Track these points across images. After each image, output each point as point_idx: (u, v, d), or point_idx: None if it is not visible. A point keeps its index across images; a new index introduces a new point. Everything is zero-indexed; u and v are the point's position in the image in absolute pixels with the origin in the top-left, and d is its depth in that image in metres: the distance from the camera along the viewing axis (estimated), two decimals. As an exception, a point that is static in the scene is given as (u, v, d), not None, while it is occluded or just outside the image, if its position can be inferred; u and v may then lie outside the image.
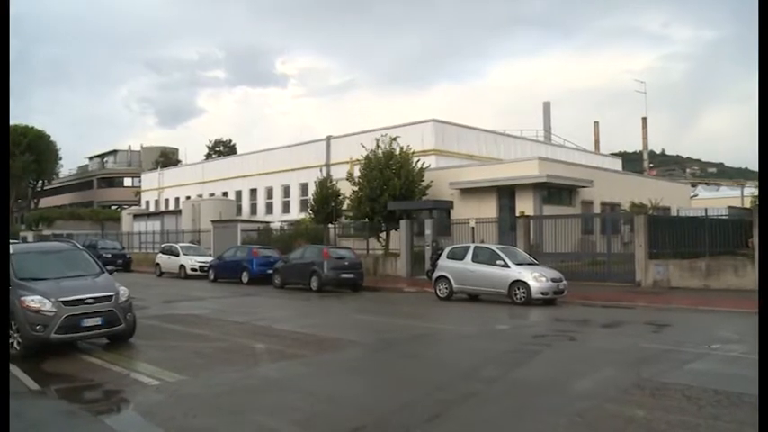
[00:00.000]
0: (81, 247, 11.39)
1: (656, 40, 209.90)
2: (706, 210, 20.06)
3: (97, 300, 9.03)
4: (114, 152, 79.93)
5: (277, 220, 36.26)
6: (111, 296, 9.23)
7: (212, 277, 24.67)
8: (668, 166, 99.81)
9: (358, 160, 26.23)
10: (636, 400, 6.26)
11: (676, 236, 18.95)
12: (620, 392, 6.55)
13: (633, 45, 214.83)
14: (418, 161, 25.39)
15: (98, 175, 76.92)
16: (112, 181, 75.77)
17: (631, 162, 61.69)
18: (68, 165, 79.53)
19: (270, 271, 22.01)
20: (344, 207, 27.09)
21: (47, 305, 8.56)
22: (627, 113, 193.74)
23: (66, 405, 6.57)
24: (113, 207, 67.98)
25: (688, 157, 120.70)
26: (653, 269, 18.31)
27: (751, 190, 43.59)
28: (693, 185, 54.01)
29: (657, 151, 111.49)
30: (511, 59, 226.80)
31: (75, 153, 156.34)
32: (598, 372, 7.81)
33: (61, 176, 74.24)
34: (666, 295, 16.15)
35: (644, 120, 58.10)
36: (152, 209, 50.56)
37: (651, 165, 65.78)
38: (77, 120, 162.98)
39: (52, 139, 61.44)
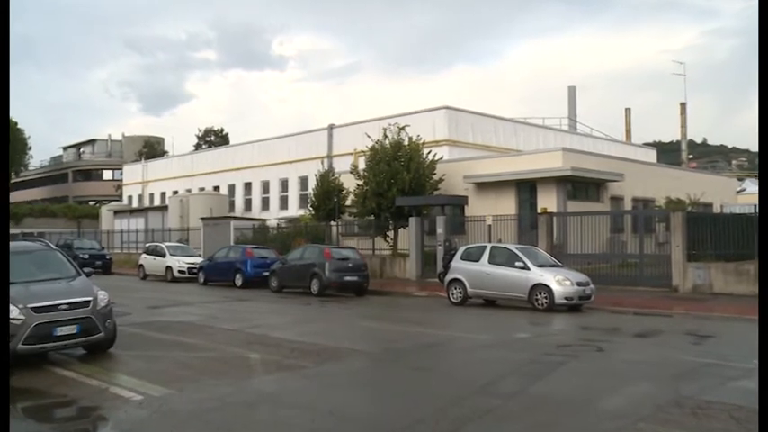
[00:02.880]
0: (54, 247, 11.45)
1: (700, 13, 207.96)
2: (755, 206, 19.82)
3: (72, 305, 8.99)
4: (92, 141, 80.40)
5: (274, 217, 36.45)
6: (88, 301, 9.20)
7: (202, 280, 24.78)
8: (710, 157, 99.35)
9: (363, 151, 26.28)
10: (674, 419, 6.19)
11: (720, 235, 18.80)
12: (655, 411, 6.48)
13: (672, 20, 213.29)
14: (429, 152, 25.39)
15: (74, 168, 77.35)
16: (90, 174, 76.18)
17: (668, 153, 61.45)
18: (39, 156, 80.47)
19: (266, 273, 22.09)
20: (348, 203, 27.14)
21: (14, 312, 8.44)
22: (663, 99, 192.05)
23: (35, 425, 6.55)
24: (91, 203, 68.54)
25: (734, 147, 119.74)
26: (692, 273, 18.22)
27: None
28: (740, 179, 53.41)
29: (698, 141, 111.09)
30: (533, 39, 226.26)
31: (46, 142, 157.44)
32: (630, 387, 7.77)
33: (31, 168, 74.68)
34: (708, 302, 16.08)
35: (682, 105, 57.73)
36: (135, 205, 50.89)
37: (690, 156, 65.46)
38: (49, 105, 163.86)
39: (20, 126, 61.79)
